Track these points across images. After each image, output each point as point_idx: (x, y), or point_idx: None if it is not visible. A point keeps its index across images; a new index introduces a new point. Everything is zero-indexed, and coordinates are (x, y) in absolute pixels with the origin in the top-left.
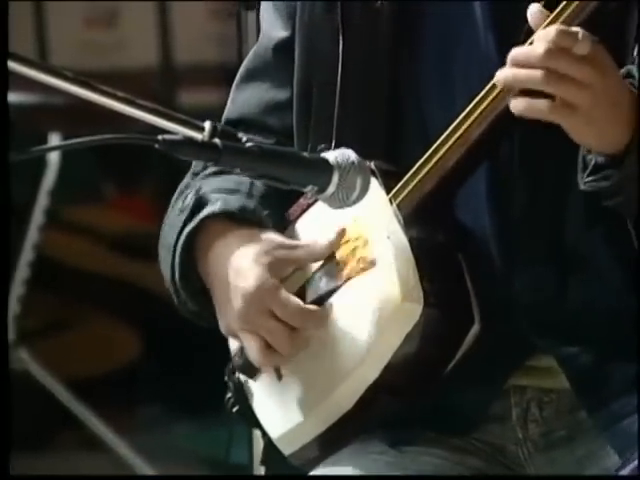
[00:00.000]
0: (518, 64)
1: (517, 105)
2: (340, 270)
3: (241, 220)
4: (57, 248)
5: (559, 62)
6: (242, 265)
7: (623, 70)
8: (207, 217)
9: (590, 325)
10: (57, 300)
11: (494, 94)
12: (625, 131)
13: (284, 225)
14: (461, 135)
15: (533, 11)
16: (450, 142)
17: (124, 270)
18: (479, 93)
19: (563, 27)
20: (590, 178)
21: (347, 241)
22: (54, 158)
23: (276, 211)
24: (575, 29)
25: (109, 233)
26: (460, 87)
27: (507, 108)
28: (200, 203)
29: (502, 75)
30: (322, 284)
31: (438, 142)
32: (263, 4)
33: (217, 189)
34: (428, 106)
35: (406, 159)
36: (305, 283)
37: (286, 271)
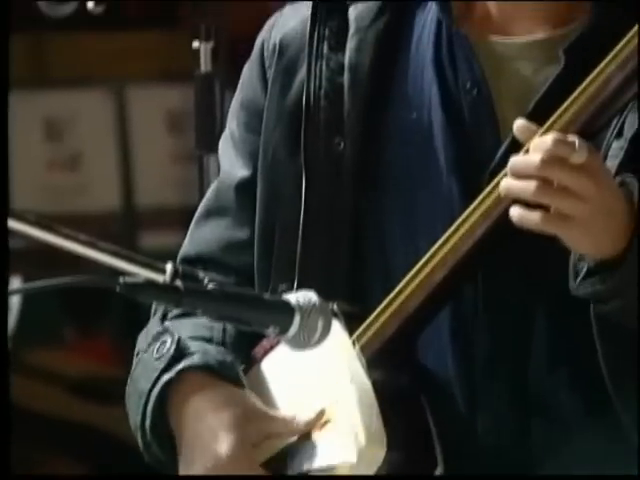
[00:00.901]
0: (516, 174)
1: (513, 214)
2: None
3: (219, 374)
4: (17, 391)
5: (555, 172)
6: (218, 428)
7: (618, 179)
8: (184, 369)
9: (554, 468)
10: (16, 443)
11: (457, 236)
12: (621, 237)
13: (250, 365)
14: (424, 278)
15: (520, 125)
16: (413, 285)
17: (84, 414)
18: (442, 235)
19: (560, 135)
20: (586, 282)
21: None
22: (14, 302)
23: (248, 353)
24: (572, 138)
25: (70, 376)
26: (423, 229)
27: (470, 250)
28: (177, 353)
29: (502, 184)
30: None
31: (401, 285)
32: (222, 141)
33: (193, 337)
34: (391, 248)
35: (369, 301)
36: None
37: (260, 440)
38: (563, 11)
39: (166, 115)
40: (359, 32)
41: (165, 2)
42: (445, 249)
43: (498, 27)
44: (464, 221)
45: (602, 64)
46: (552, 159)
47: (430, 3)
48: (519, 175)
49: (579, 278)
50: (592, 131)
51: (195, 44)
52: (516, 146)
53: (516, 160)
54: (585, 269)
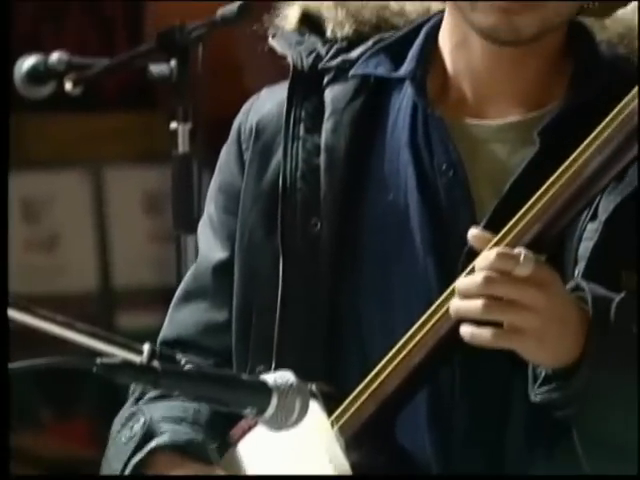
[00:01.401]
0: (463, 295)
1: (464, 333)
2: None
3: (189, 452)
4: None
5: (499, 288)
6: None
7: (572, 283)
8: (155, 449)
9: None
10: None
11: (435, 319)
12: (577, 344)
13: (227, 446)
14: (401, 360)
15: (473, 234)
16: (391, 367)
17: None
18: (419, 317)
19: (503, 250)
20: (542, 389)
21: None
22: None
23: (223, 435)
24: (516, 250)
25: (47, 459)
26: (400, 311)
27: (448, 333)
28: (148, 433)
29: (451, 307)
30: None
31: (379, 367)
32: (201, 225)
33: (164, 417)
34: (369, 329)
35: (347, 381)
36: None
37: None
38: (538, 94)
39: (143, 196)
40: (335, 114)
41: (143, 84)
42: (423, 331)
43: (473, 110)
44: (442, 303)
45: (564, 166)
46: (495, 275)
47: (406, 86)
48: (466, 296)
49: (536, 385)
50: (558, 230)
51: (173, 125)
52: (492, 228)
53: (461, 282)
54: (542, 375)
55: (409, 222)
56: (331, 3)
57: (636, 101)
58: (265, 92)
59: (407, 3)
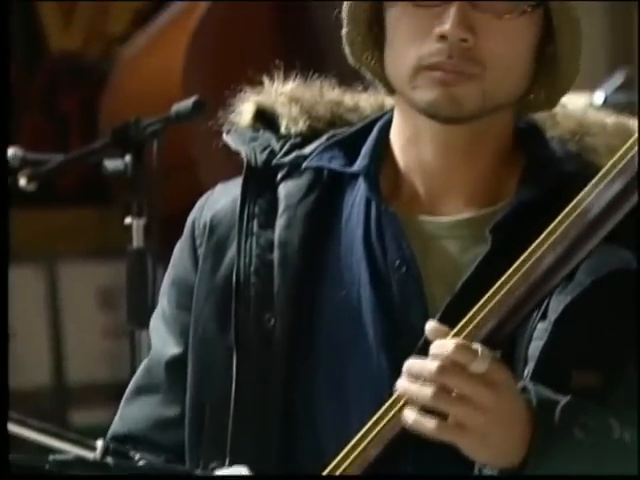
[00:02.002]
0: (412, 376)
1: (407, 417)
2: None
3: None
4: None
5: (452, 380)
6: None
7: (520, 384)
8: None
9: None
10: None
11: (390, 415)
12: (521, 446)
13: None
14: (357, 455)
15: (430, 327)
16: (347, 462)
17: None
18: (374, 412)
19: (462, 342)
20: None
21: None
22: None
23: None
24: (475, 346)
25: None
26: (355, 406)
27: (403, 428)
28: None
29: (398, 385)
30: None
31: (334, 462)
32: (153, 319)
33: None
34: (323, 424)
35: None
36: None
37: None
38: (490, 190)
39: (97, 291)
40: (289, 210)
41: (98, 179)
42: (378, 426)
43: (426, 206)
44: (397, 399)
45: (519, 261)
46: (450, 366)
47: (359, 181)
48: (416, 378)
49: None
50: (511, 327)
51: (127, 220)
52: (445, 324)
53: (414, 363)
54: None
55: (362, 317)
56: (285, 99)
57: (590, 198)
58: (219, 188)
59: (361, 99)
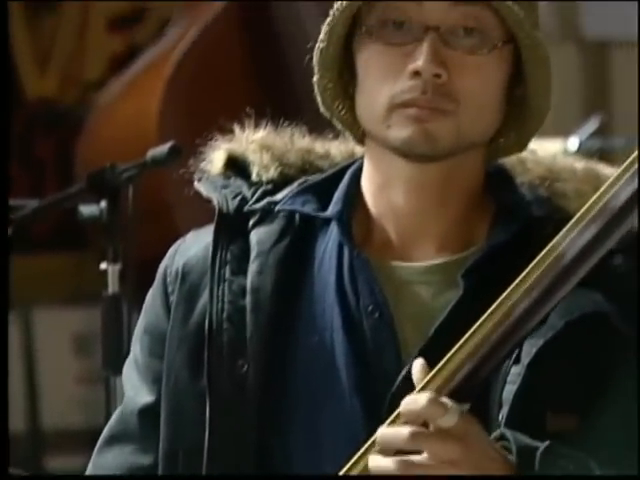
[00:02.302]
0: (384, 449)
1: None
2: None
3: None
4: None
5: (423, 444)
6: None
7: (497, 432)
8: None
9: None
10: None
11: (364, 461)
12: None
13: None
14: None
15: (417, 368)
16: None
17: None
18: (348, 458)
19: (433, 397)
20: None
21: None
22: None
23: None
24: (444, 401)
25: None
26: (329, 451)
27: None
28: None
29: (370, 462)
30: None
31: None
32: (126, 366)
33: None
34: (298, 469)
35: None
36: None
37: None
38: (461, 235)
39: (72, 337)
40: (261, 256)
41: (73, 224)
42: (354, 471)
43: (398, 251)
44: (371, 445)
45: (492, 307)
46: (420, 430)
47: (332, 226)
48: (389, 450)
49: None
50: (489, 370)
51: (103, 266)
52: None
53: (384, 433)
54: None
55: (335, 362)
56: (256, 147)
57: (565, 243)
58: (191, 235)
59: (332, 146)
